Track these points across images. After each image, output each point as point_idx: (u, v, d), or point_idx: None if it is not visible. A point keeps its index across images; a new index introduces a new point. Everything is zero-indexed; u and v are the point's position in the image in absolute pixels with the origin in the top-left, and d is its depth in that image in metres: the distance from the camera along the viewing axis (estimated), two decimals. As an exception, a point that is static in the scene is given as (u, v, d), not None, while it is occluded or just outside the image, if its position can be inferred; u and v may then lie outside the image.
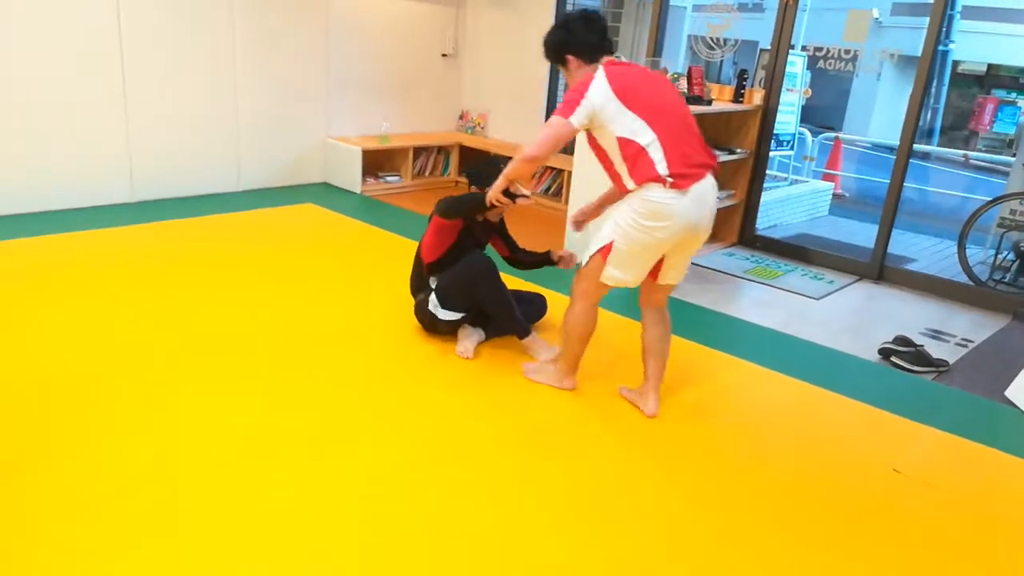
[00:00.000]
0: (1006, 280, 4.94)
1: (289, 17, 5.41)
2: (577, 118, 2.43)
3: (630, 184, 2.44)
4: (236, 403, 2.57)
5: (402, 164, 6.15)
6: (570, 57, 2.58)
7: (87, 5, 4.43)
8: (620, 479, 2.32)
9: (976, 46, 13.80)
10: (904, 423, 2.87)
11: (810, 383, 3.12)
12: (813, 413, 2.90)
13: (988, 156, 9.88)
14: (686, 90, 4.70)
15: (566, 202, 4.88)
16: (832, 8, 6.23)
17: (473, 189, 3.08)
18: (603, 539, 2.03)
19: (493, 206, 2.77)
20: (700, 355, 3.29)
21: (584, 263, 2.62)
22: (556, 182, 6.08)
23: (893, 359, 3.45)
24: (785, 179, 7.40)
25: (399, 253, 4.28)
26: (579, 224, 3.09)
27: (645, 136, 2.39)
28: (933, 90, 12.79)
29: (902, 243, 5.97)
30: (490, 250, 3.25)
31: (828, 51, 5.07)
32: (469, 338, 3.10)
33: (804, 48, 7.48)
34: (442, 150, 6.47)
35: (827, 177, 8.16)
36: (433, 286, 3.10)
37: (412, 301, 3.23)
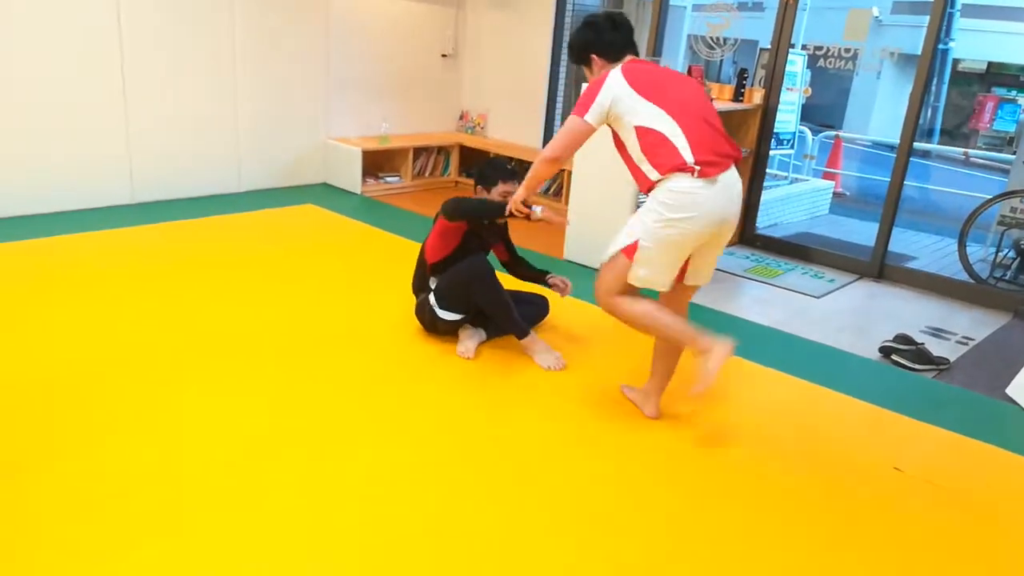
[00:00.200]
0: (1007, 278, 4.94)
1: (289, 18, 5.41)
2: (592, 115, 2.40)
3: (653, 175, 2.36)
4: (237, 403, 2.57)
5: (402, 164, 6.15)
6: (594, 57, 2.56)
7: (87, 5, 4.43)
8: (620, 478, 2.32)
9: (976, 44, 13.79)
10: (905, 421, 2.86)
11: (811, 382, 3.12)
12: (814, 412, 2.90)
13: (988, 154, 9.88)
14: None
15: (566, 202, 4.88)
16: (832, 7, 6.23)
17: (478, 189, 3.07)
18: (603, 539, 2.03)
19: (510, 216, 2.75)
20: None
21: (604, 260, 2.49)
22: (556, 182, 6.08)
23: (894, 357, 3.45)
24: (785, 178, 7.39)
25: (399, 254, 4.28)
26: (517, 205, 2.74)
27: (665, 124, 2.33)
28: (933, 88, 12.77)
29: (903, 241, 5.97)
30: (490, 254, 3.25)
31: (828, 50, 5.07)
32: (470, 338, 3.10)
33: (804, 47, 7.48)
34: (442, 150, 6.47)
35: (827, 176, 8.15)
36: (433, 286, 3.10)
37: (413, 301, 3.23)
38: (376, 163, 6.09)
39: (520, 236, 3.41)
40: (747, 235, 5.25)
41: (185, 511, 2.00)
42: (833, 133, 9.22)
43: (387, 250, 4.44)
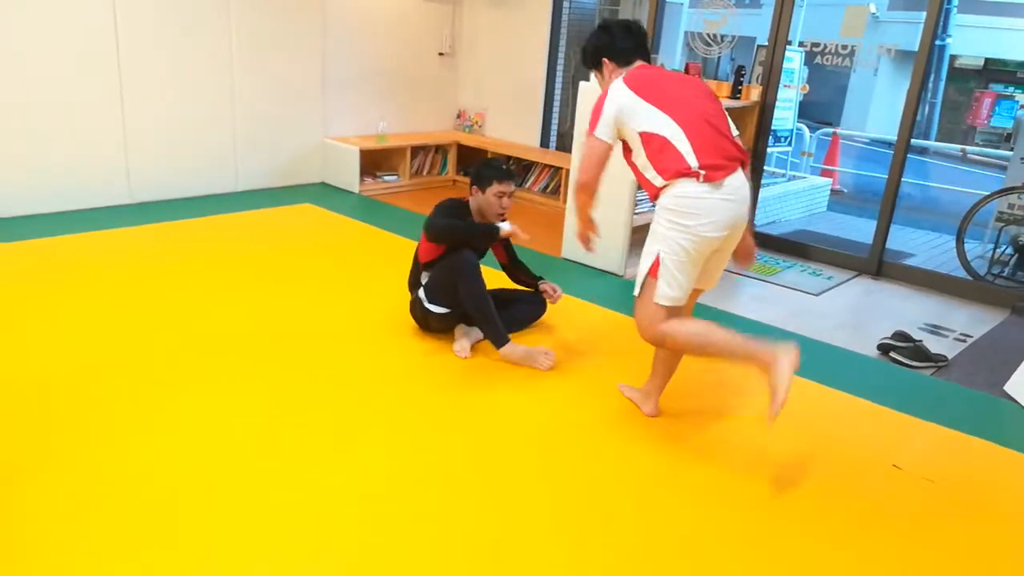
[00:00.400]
0: (1004, 274, 4.95)
1: (286, 17, 5.40)
2: (602, 130, 2.38)
3: (658, 181, 2.32)
4: (234, 403, 2.57)
5: (400, 163, 6.14)
6: (606, 61, 2.55)
7: (85, 6, 4.42)
8: (619, 477, 2.32)
9: (973, 40, 13.80)
10: (903, 419, 2.87)
11: (809, 379, 3.12)
12: (812, 409, 2.90)
13: (986, 150, 9.87)
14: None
15: (563, 200, 4.87)
16: (829, 3, 6.23)
17: (474, 189, 3.08)
18: (602, 537, 2.03)
19: (493, 240, 2.85)
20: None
21: (636, 292, 2.42)
22: (554, 180, 6.08)
23: (892, 355, 3.45)
24: (783, 175, 7.40)
25: (397, 253, 4.28)
26: (585, 239, 2.65)
27: (667, 128, 2.29)
28: (930, 85, 12.79)
29: (900, 238, 5.97)
30: (490, 255, 3.25)
31: (825, 46, 5.06)
32: (465, 337, 3.10)
33: (801, 44, 7.48)
34: (440, 149, 6.46)
35: (825, 173, 8.16)
36: (424, 282, 3.13)
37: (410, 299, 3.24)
38: (374, 162, 6.08)
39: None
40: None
41: (183, 511, 1.99)
42: (831, 130, 9.22)
43: (385, 249, 4.43)
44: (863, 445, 2.65)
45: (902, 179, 4.61)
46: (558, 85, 6.31)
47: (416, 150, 6.23)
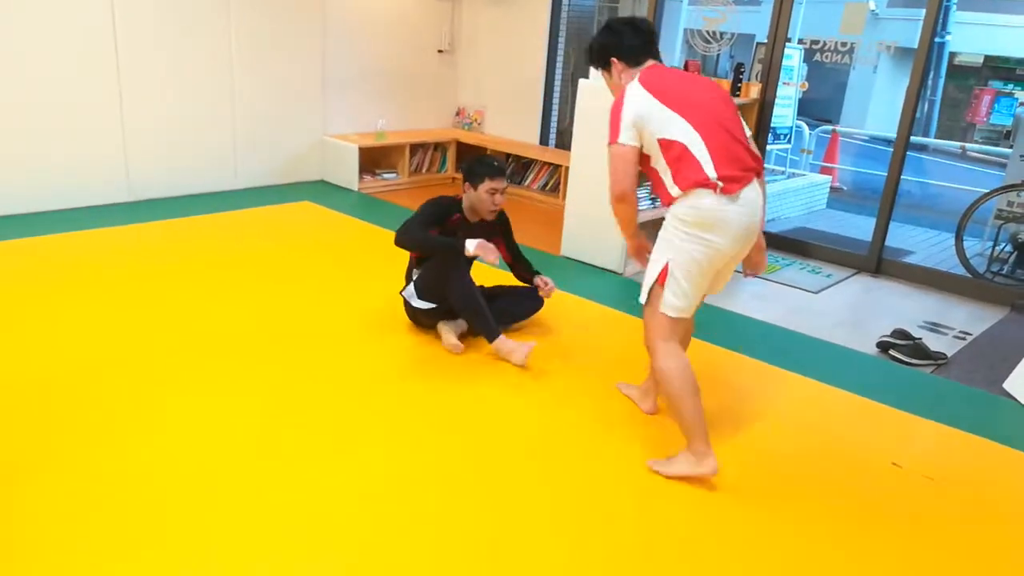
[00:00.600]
0: (1004, 272, 4.95)
1: (285, 15, 5.39)
2: (625, 135, 2.26)
3: (674, 190, 2.23)
4: (233, 402, 2.57)
5: (399, 161, 6.14)
6: (614, 60, 2.46)
7: (84, 6, 4.41)
8: (618, 475, 2.32)
9: (973, 37, 13.79)
10: (903, 416, 2.87)
11: (808, 377, 3.13)
12: (811, 407, 2.91)
13: (985, 148, 9.88)
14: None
15: (563, 197, 4.87)
16: (828, 0, 6.22)
17: (466, 186, 3.07)
18: (601, 536, 2.03)
19: (464, 259, 2.89)
20: (698, 350, 3.28)
21: (644, 300, 2.37)
22: (554, 177, 6.08)
23: (891, 352, 3.45)
24: (782, 173, 7.39)
25: (396, 250, 4.25)
26: (641, 254, 2.55)
27: (686, 135, 2.21)
28: (930, 82, 12.78)
29: (900, 236, 5.97)
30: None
31: (825, 44, 5.06)
32: (451, 332, 3.10)
33: (801, 41, 7.47)
34: (439, 147, 6.46)
35: (824, 170, 8.16)
36: (415, 278, 3.15)
37: (409, 298, 3.25)
38: (373, 160, 6.08)
39: (519, 232, 3.40)
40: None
41: (182, 510, 1.99)
42: (830, 127, 9.22)
43: (384, 247, 4.42)
44: (862, 443, 2.65)
45: (901, 176, 4.61)
46: (557, 82, 6.30)
47: (415, 148, 6.23)
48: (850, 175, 9.50)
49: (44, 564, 1.78)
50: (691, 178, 2.19)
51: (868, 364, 3.38)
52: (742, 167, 2.23)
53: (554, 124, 6.42)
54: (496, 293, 3.29)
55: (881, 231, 4.67)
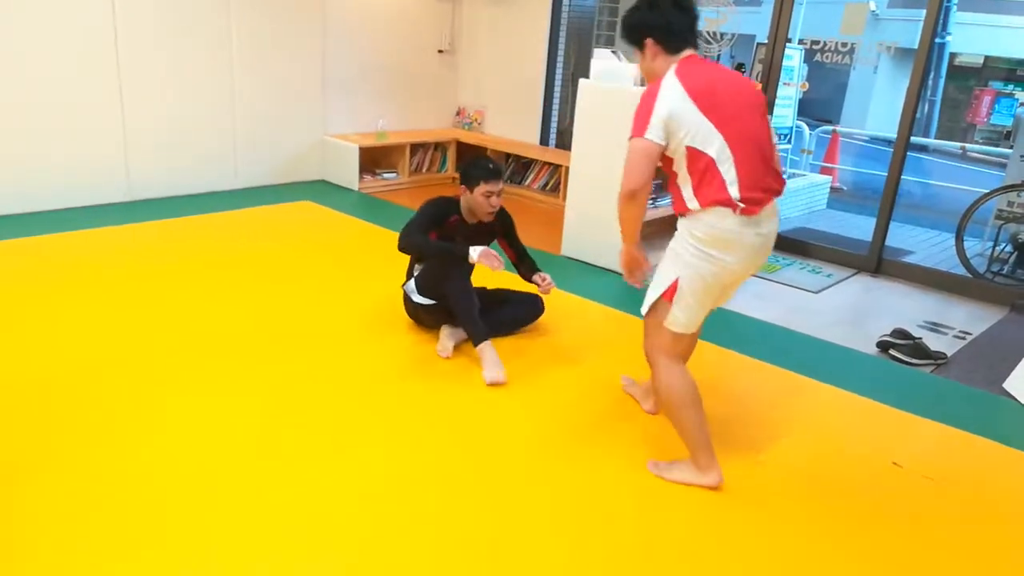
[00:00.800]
0: (1004, 272, 4.95)
1: (285, 15, 5.39)
2: (652, 132, 2.07)
3: (693, 204, 2.12)
4: (233, 401, 2.57)
5: (399, 161, 6.14)
6: (649, 41, 2.21)
7: (84, 6, 4.41)
8: (618, 474, 2.32)
9: (973, 38, 13.81)
10: (903, 416, 2.87)
11: (809, 376, 3.13)
12: (812, 407, 2.91)
13: (986, 148, 9.88)
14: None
15: (563, 198, 4.87)
16: (829, 1, 6.22)
17: (462, 189, 3.06)
18: (601, 536, 2.03)
19: (462, 263, 2.91)
20: (698, 350, 3.27)
21: (645, 313, 2.30)
22: (554, 177, 6.08)
23: (891, 352, 3.45)
24: (783, 173, 7.39)
25: (396, 250, 4.26)
26: (634, 270, 2.39)
27: (717, 151, 2.07)
28: (930, 82, 12.79)
29: (900, 236, 5.97)
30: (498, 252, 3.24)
31: (825, 44, 5.06)
32: (449, 337, 3.09)
33: (801, 41, 7.47)
34: (439, 146, 6.46)
35: (825, 170, 8.16)
36: (415, 274, 3.16)
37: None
38: (373, 159, 6.08)
39: (519, 230, 3.40)
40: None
41: (182, 510, 1.99)
42: (830, 128, 9.22)
43: (384, 247, 4.43)
44: (862, 442, 2.65)
45: (902, 177, 4.61)
46: (558, 82, 6.30)
47: (415, 147, 6.23)
48: (850, 175, 9.50)
49: (44, 564, 1.78)
50: (713, 196, 2.09)
51: (868, 364, 3.38)
52: (765, 188, 2.14)
53: (554, 124, 6.42)
54: (499, 299, 3.29)
55: (881, 231, 4.67)
